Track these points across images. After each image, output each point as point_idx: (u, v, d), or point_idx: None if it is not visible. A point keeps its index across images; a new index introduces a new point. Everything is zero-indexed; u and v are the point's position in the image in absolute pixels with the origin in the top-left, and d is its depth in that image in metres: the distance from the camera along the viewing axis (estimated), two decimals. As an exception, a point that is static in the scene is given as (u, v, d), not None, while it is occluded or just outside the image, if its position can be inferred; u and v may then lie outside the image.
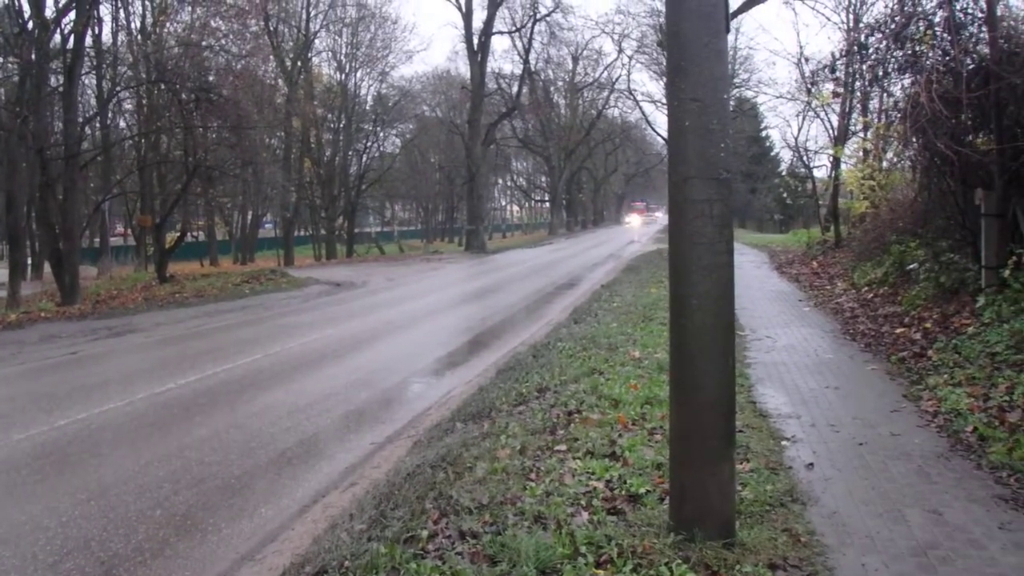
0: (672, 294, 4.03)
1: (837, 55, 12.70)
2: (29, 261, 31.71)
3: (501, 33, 48.41)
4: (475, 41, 42.78)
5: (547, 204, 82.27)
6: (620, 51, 48.47)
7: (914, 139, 10.25)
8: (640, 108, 57.31)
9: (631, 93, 47.96)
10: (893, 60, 10.20)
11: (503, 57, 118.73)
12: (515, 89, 53.99)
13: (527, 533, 4.14)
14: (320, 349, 11.54)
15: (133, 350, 12.24)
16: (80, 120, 24.64)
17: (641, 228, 74.97)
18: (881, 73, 10.85)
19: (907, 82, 10.33)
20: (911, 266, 11.79)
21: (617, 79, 58.28)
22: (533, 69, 56.46)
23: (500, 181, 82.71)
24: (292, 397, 8.51)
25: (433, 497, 4.86)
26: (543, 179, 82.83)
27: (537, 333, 12.25)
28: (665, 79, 32.57)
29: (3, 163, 21.10)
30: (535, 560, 3.80)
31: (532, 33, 49.80)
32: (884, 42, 10.07)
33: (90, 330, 14.35)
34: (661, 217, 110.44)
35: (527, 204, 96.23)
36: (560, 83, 68.74)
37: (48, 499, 5.55)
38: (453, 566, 3.88)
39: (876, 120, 15.63)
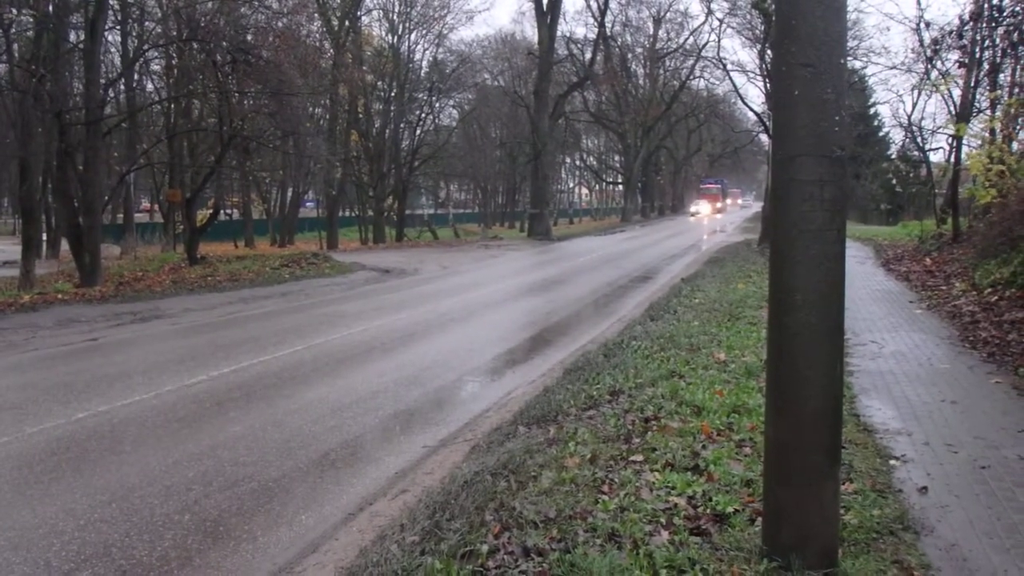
0: (773, 288, 3.97)
1: (965, 18, 12.32)
2: (44, 237, 32.42)
3: (574, -10, 48.38)
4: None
5: (620, 187, 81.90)
6: (709, 13, 47.68)
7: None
8: (730, 79, 56.68)
9: (720, 62, 47.24)
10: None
11: (575, 19, 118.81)
12: (588, 56, 53.87)
13: (600, 552, 4.13)
14: (367, 342, 11.68)
15: (160, 337, 12.53)
16: (103, 81, 24.53)
17: (719, 218, 68.88)
18: (1017, 39, 10.51)
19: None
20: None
21: (704, 46, 57.57)
22: (609, 33, 56.27)
23: (568, 160, 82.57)
24: (336, 393, 8.63)
25: (494, 508, 4.88)
26: (616, 159, 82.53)
27: (608, 330, 12.21)
28: (759, 46, 32.12)
29: (17, 127, 21.37)
30: (609, 583, 3.78)
31: (609, -9, 49.56)
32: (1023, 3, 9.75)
33: (112, 315, 14.68)
34: (747, 203, 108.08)
35: (597, 187, 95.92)
36: (639, 50, 68.42)
37: (64, 500, 5.65)
38: (516, 586, 3.88)
39: (1007, 95, 15.15)
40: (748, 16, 37.55)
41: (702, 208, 76.84)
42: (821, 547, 3.87)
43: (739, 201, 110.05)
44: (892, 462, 5.66)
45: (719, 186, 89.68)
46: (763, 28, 30.40)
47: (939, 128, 25.52)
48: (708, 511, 4.69)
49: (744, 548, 4.15)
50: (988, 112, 20.23)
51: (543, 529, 4.51)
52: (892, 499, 4.92)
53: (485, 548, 4.30)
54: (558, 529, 4.48)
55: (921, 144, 27.12)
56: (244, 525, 5.28)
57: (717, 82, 63.64)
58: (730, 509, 4.65)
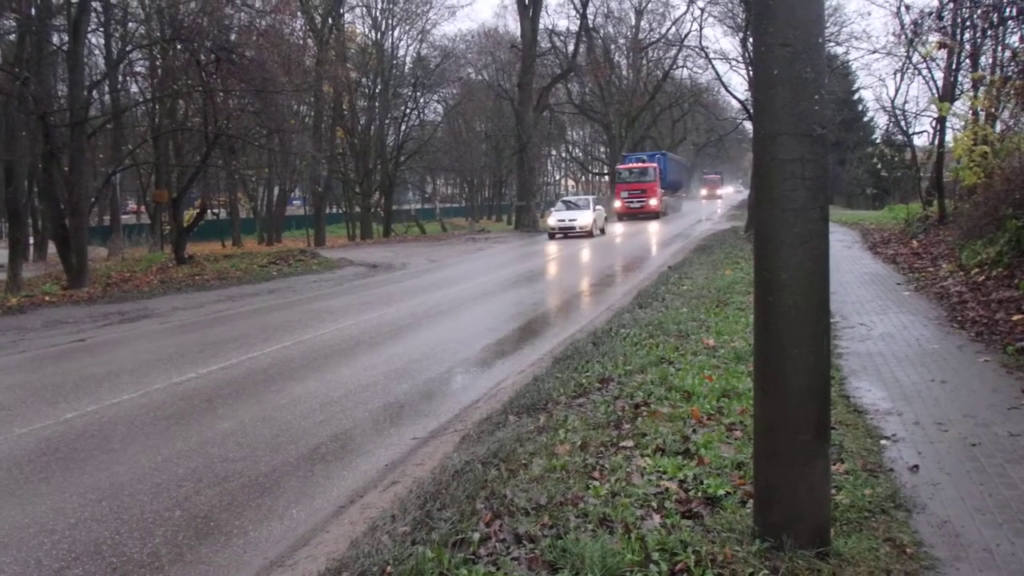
0: (758, 268, 3.96)
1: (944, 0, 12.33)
2: (31, 240, 32.32)
3: (556, -17, 48.31)
4: (526, -7, 42.60)
5: (606, 178, 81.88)
6: (691, 2, 47.77)
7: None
8: (713, 68, 56.50)
9: (703, 51, 47.02)
10: (1012, 4, 9.88)
11: (557, 12, 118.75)
12: (571, 48, 53.80)
13: (591, 537, 4.11)
14: (355, 336, 11.65)
15: (148, 337, 12.47)
16: (87, 83, 24.55)
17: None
18: (996, 20, 10.52)
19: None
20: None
21: (687, 35, 57.42)
22: (591, 25, 56.18)
23: (554, 152, 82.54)
24: (325, 388, 8.59)
25: (485, 497, 4.86)
26: (602, 150, 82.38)
27: (597, 319, 12.20)
28: (741, 34, 32.15)
29: (1, 130, 21.28)
30: (601, 567, 3.77)
31: (591, -18, 49.48)
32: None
33: (100, 315, 14.64)
34: (728, 195, 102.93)
35: (583, 178, 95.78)
36: (622, 41, 68.31)
37: (54, 499, 5.62)
38: (508, 572, 3.87)
39: (989, 75, 15.17)
40: (729, 4, 37.62)
41: (580, 218, 33.44)
42: (813, 526, 3.86)
43: (718, 191, 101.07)
44: (883, 442, 5.65)
45: (655, 166, 48.95)
46: (744, 16, 30.43)
47: (923, 111, 25.61)
48: (699, 494, 4.67)
49: (736, 529, 4.13)
50: (970, 93, 20.28)
51: (534, 516, 4.49)
52: (883, 478, 4.90)
53: (477, 536, 4.29)
54: (549, 515, 4.47)
55: (905, 128, 27.29)
56: (235, 520, 5.24)
57: (700, 71, 63.44)
58: (721, 492, 4.64)
